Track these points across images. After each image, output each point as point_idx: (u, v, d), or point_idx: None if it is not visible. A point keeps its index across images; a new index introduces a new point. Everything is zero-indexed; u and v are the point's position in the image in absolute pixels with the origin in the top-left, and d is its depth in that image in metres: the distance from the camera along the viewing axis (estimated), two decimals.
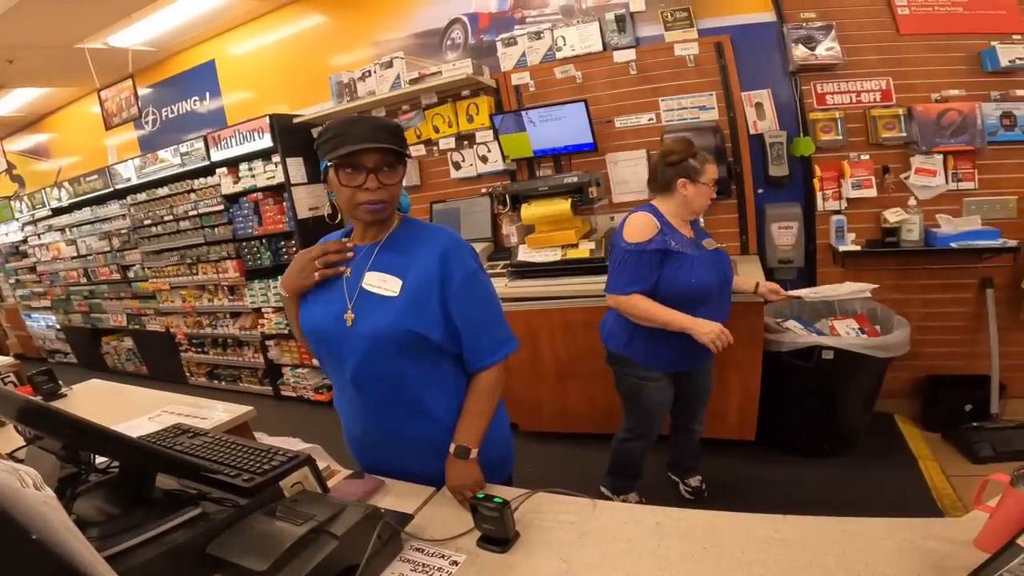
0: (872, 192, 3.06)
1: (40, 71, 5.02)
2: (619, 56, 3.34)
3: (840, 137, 3.07)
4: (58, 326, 7.10)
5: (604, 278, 2.97)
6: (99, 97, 4.96)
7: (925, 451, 2.94)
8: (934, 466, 2.79)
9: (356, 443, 1.50)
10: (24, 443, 1.49)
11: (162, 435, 1.35)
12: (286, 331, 4.66)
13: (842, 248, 3.05)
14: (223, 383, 5.46)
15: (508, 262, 3.45)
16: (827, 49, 2.97)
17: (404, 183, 1.39)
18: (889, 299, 3.02)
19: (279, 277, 4.40)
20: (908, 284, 3.14)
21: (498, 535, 1.15)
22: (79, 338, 6.86)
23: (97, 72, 4.66)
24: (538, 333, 3.18)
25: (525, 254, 3.33)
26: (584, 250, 3.18)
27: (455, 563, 1.12)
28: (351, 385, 1.35)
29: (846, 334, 2.81)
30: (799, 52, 2.99)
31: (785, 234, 3.16)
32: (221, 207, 4.67)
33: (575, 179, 3.19)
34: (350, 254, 1.37)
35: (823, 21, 2.99)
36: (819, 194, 3.14)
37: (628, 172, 3.53)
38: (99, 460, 1.07)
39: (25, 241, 7.01)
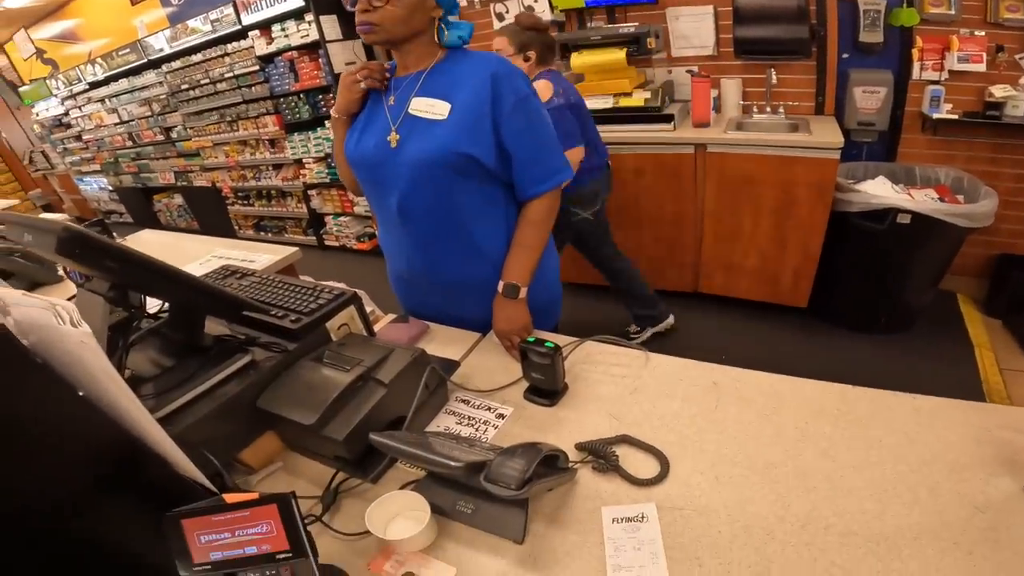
0: (980, 67, 2.72)
1: None
2: None
3: (952, 12, 2.70)
4: (110, 187, 7.37)
5: (661, 125, 2.95)
6: None
7: (983, 338, 2.81)
8: (989, 356, 2.68)
9: (401, 282, 1.49)
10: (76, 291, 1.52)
11: (211, 276, 1.34)
12: (327, 180, 4.78)
13: (936, 115, 2.79)
14: (269, 234, 5.70)
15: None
16: None
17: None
18: (979, 171, 2.77)
19: (318, 129, 4.54)
20: (1002, 158, 2.86)
21: (547, 386, 1.12)
22: (131, 198, 7.11)
23: None
24: None
25: None
26: (639, 99, 3.00)
27: (501, 416, 1.11)
28: (397, 216, 1.31)
29: (923, 201, 2.60)
30: None
31: (870, 98, 2.91)
32: (256, 67, 4.69)
33: (632, 29, 2.99)
34: (388, 74, 1.31)
35: None
36: (917, 63, 2.83)
37: (690, 27, 3.22)
38: (150, 307, 1.06)
39: (67, 114, 7.17)
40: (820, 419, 1.00)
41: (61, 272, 2.26)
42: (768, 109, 3.10)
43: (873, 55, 2.90)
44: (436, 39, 1.26)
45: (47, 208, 9.07)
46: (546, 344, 1.08)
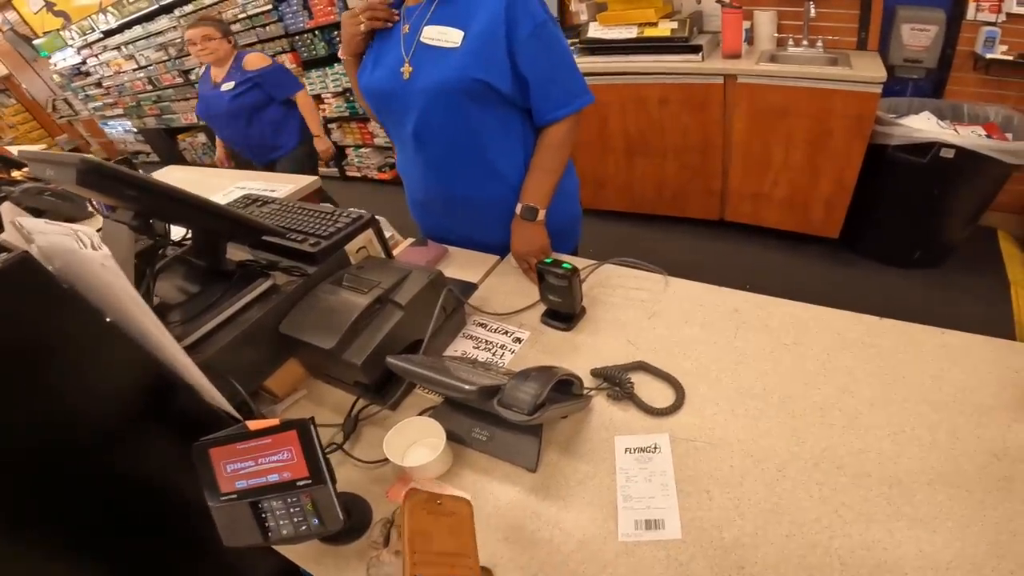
0: None
1: None
2: None
3: None
4: (135, 129, 7.45)
5: (688, 56, 2.83)
6: None
7: (1021, 276, 2.71)
8: None
9: (419, 207, 1.50)
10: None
11: (233, 204, 1.35)
12: (346, 114, 4.80)
13: (989, 56, 2.61)
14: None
15: (577, 40, 3.17)
16: None
17: None
18: None
19: (335, 65, 4.52)
20: None
21: (564, 309, 1.11)
22: (156, 138, 7.20)
23: None
24: (607, 107, 3.02)
25: (596, 31, 3.04)
26: (665, 29, 2.86)
27: (518, 340, 1.12)
28: (413, 142, 1.31)
29: (968, 136, 2.46)
30: None
31: (919, 35, 2.72)
32: (269, 6, 4.62)
33: None
34: (396, 16, 1.27)
35: None
36: (972, 4, 2.63)
37: None
38: (175, 236, 1.08)
39: (84, 63, 7.20)
40: (843, 352, 0.98)
41: (91, 208, 2.32)
42: (805, 43, 2.93)
43: None
44: None
45: (75, 151, 9.29)
46: (563, 265, 1.07)
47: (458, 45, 1.19)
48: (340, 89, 4.70)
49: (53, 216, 2.20)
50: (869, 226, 2.81)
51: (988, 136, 2.50)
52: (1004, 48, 2.64)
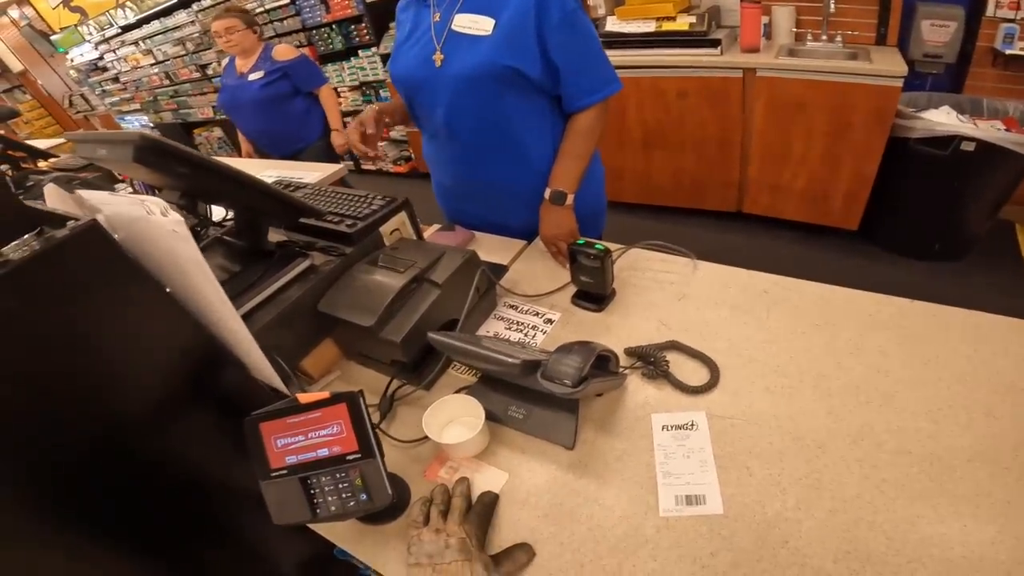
0: None
1: None
2: None
3: None
4: (151, 124, 7.50)
5: (707, 50, 2.83)
6: None
7: None
8: None
9: (447, 193, 1.51)
10: None
11: None
12: (362, 107, 4.74)
13: (1008, 51, 2.62)
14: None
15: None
16: None
17: None
18: None
19: (352, 59, 4.59)
20: None
21: (596, 290, 1.12)
22: (173, 133, 7.24)
23: None
24: (625, 99, 3.04)
25: (614, 25, 3.06)
26: (683, 23, 2.87)
27: (550, 321, 1.13)
28: (444, 130, 1.32)
29: (989, 129, 2.45)
30: None
31: (938, 31, 2.72)
32: (287, 0, 4.65)
33: None
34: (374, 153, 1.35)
35: None
36: (991, 1, 2.63)
37: None
38: (215, 217, 1.10)
39: (102, 58, 7.25)
40: (875, 332, 0.98)
41: (120, 195, 2.35)
42: (824, 37, 2.92)
43: None
44: None
45: None
46: (596, 246, 1.08)
47: (489, 33, 1.20)
48: (357, 83, 4.74)
49: None
50: (889, 218, 2.81)
51: (1007, 130, 2.48)
52: (1023, 44, 2.63)
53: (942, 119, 2.54)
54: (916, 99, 2.76)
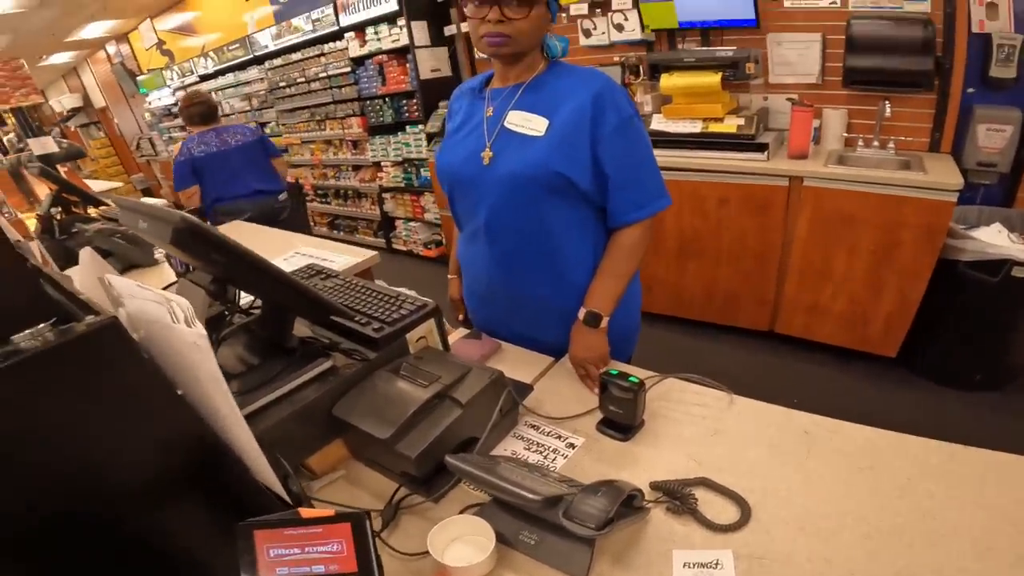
0: None
1: None
2: None
3: None
4: None
5: (753, 155, 2.83)
6: None
7: None
8: None
9: (478, 299, 1.48)
10: (175, 279, 1.60)
11: (297, 274, 1.36)
12: (402, 184, 4.93)
13: None
14: (342, 233, 5.95)
15: None
16: None
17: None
18: None
19: (399, 133, 4.70)
20: None
21: (624, 420, 1.07)
22: None
23: None
24: None
25: (660, 123, 3.09)
26: (731, 125, 2.89)
27: (572, 446, 1.07)
28: (484, 233, 1.30)
29: None
30: None
31: (994, 137, 2.69)
32: (348, 69, 4.89)
33: (729, 53, 2.91)
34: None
35: None
36: None
37: (793, 54, 3.07)
38: (243, 301, 1.10)
39: (176, 104, 7.56)
40: (923, 476, 0.92)
41: (158, 255, 2.41)
42: (876, 143, 2.90)
43: (1003, 91, 2.71)
44: (541, 51, 1.26)
45: (146, 192, 9.77)
46: (630, 379, 1.04)
47: (542, 134, 1.20)
48: (400, 159, 4.84)
49: (118, 259, 2.29)
50: (928, 344, 2.70)
51: None
52: None
53: (993, 238, 2.47)
54: (966, 214, 2.70)
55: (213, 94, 6.74)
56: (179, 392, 0.68)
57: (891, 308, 2.64)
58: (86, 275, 1.05)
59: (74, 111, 11.84)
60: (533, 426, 1.13)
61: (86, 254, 1.10)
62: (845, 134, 2.99)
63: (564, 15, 3.68)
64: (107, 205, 3.01)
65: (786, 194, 2.74)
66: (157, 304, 0.64)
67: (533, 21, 1.16)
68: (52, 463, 0.61)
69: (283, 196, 3.59)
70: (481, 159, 1.25)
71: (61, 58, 10.17)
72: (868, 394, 2.67)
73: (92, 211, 3.06)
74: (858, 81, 2.89)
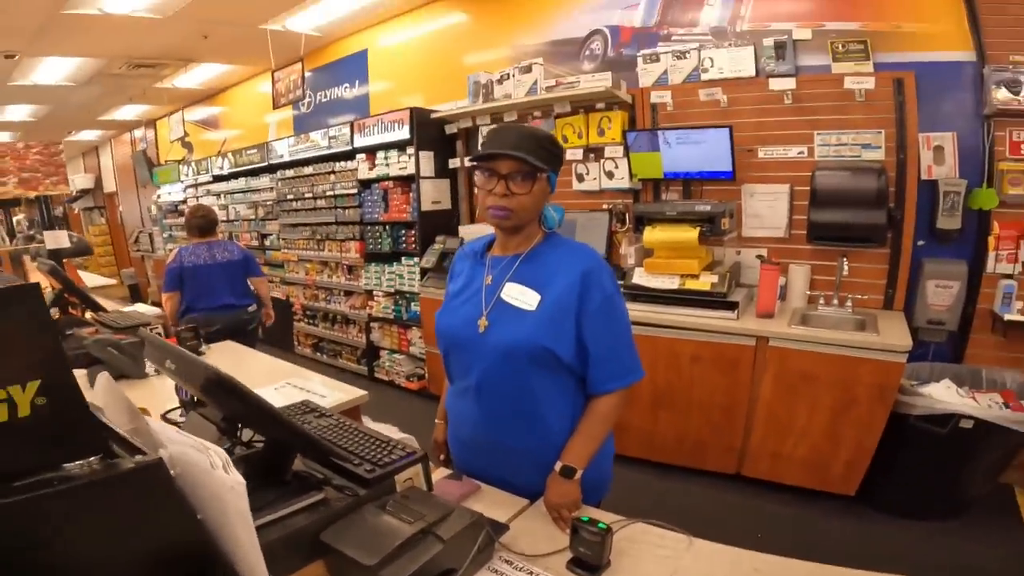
0: None
1: (227, 48, 5.68)
2: (776, 84, 3.16)
3: None
4: None
5: (724, 313, 2.97)
6: (272, 77, 5.40)
7: None
8: None
9: (461, 445, 1.54)
10: (179, 405, 1.66)
11: (291, 410, 1.46)
12: (391, 316, 4.92)
13: (1007, 316, 2.78)
14: (324, 356, 5.84)
15: (622, 283, 3.38)
16: None
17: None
18: None
19: (395, 264, 4.75)
20: None
21: (592, 560, 1.15)
22: None
23: (273, 53, 5.16)
24: (643, 360, 3.14)
25: (640, 277, 3.26)
26: (705, 282, 3.07)
27: None
28: (474, 391, 1.40)
29: (988, 407, 2.56)
30: (1000, 95, 2.70)
31: (942, 293, 2.89)
32: (355, 191, 5.00)
33: (707, 208, 3.08)
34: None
35: None
36: (992, 253, 2.84)
37: (763, 206, 3.37)
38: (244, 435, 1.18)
39: (185, 201, 7.75)
40: None
41: (149, 370, 2.46)
42: (835, 301, 3.09)
43: (949, 243, 2.93)
44: (539, 223, 1.40)
45: (133, 289, 9.52)
46: (599, 524, 1.14)
47: (533, 308, 1.32)
48: (392, 290, 4.86)
49: (110, 368, 2.29)
50: (886, 484, 2.81)
51: (1006, 404, 2.58)
52: (1020, 305, 2.77)
53: (942, 394, 2.63)
54: (919, 370, 2.88)
55: (223, 197, 6.88)
56: (199, 516, 0.76)
57: (849, 455, 2.77)
58: (102, 397, 1.12)
59: (83, 192, 11.69)
60: (507, 561, 1.19)
61: (104, 380, 1.18)
62: (808, 291, 3.18)
63: None
64: (105, 311, 3.06)
65: (753, 353, 2.90)
66: (197, 452, 0.75)
67: (535, 196, 1.31)
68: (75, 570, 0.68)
69: (252, 308, 3.84)
70: (477, 326, 1.36)
71: (88, 135, 10.32)
72: (831, 529, 2.74)
73: (89, 315, 3.10)
74: (820, 236, 3.10)
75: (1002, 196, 2.80)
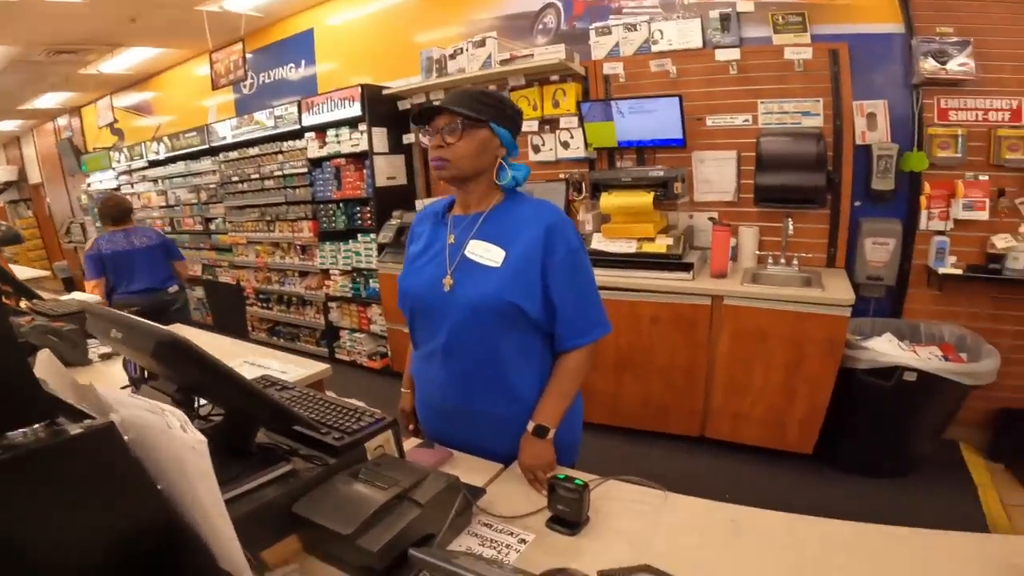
0: (983, 215, 2.92)
1: (159, 31, 5.35)
2: (721, 55, 3.24)
3: (959, 155, 2.92)
4: None
5: (680, 274, 3.04)
6: (210, 59, 5.15)
7: (986, 479, 2.85)
8: (992, 493, 2.72)
9: (430, 411, 1.52)
10: (128, 384, 1.56)
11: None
12: (349, 294, 4.84)
13: (941, 270, 2.93)
14: (282, 340, 5.67)
15: None
16: (960, 64, 2.81)
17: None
18: (982, 328, 2.91)
19: (350, 241, 4.66)
20: (1004, 315, 2.99)
21: (571, 517, 1.15)
22: None
23: (211, 35, 4.91)
24: None
25: (599, 243, 3.32)
26: (661, 245, 3.14)
27: (523, 541, 1.13)
28: (441, 353, 1.37)
29: (928, 359, 2.69)
30: (927, 65, 2.84)
31: (879, 250, 3.03)
32: (305, 170, 4.86)
33: (660, 173, 3.17)
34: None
35: (960, 36, 2.83)
36: (924, 212, 3.01)
37: (713, 172, 3.48)
38: (202, 409, 1.13)
39: (118, 189, 7.31)
40: (837, 551, 1.05)
41: (92, 356, 2.36)
42: (783, 260, 3.22)
43: (884, 203, 3.08)
44: (495, 179, 1.36)
45: (68, 282, 9.04)
46: (576, 481, 1.13)
47: (499, 264, 1.30)
48: (349, 268, 4.77)
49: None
50: (840, 441, 2.92)
51: (945, 357, 2.72)
52: (954, 259, 2.93)
53: (885, 347, 2.76)
54: (861, 325, 3.01)
55: (160, 182, 6.59)
56: (159, 487, 0.72)
57: (803, 413, 2.87)
58: (48, 376, 1.06)
59: (7, 185, 11.17)
60: (487, 524, 1.18)
61: (45, 356, 1.12)
62: (757, 251, 3.31)
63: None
64: (40, 299, 2.93)
65: (709, 312, 2.98)
66: (152, 414, 0.70)
67: (472, 145, 1.29)
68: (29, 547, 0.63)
69: (173, 289, 3.85)
70: (442, 285, 1.34)
71: (6, 126, 9.80)
72: (791, 487, 2.85)
73: (24, 304, 2.93)
74: (766, 198, 3.24)
75: (932, 159, 2.96)
